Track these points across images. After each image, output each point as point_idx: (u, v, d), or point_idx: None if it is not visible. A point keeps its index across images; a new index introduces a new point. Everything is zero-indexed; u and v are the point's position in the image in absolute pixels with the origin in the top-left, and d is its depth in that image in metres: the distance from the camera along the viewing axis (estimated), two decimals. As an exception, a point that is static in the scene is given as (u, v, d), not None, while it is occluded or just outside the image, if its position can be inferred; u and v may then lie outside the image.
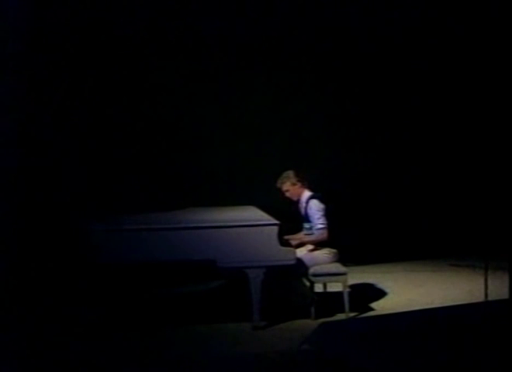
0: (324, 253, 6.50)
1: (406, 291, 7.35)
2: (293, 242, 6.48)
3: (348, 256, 6.71)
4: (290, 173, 6.67)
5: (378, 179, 9.38)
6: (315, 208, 6.51)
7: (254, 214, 6.65)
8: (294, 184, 6.64)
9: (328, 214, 6.52)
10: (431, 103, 9.41)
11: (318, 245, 6.52)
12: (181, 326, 6.22)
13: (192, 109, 8.76)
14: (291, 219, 6.49)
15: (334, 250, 6.52)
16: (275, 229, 6.02)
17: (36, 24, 7.55)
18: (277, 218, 6.12)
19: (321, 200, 6.57)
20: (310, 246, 6.54)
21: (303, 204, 6.65)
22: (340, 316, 6.27)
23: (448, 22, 8.94)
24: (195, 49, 8.69)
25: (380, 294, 7.20)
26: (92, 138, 8.30)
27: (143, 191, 8.22)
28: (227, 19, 8.63)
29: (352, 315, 6.30)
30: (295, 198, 6.70)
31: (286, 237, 6.50)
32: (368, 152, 9.38)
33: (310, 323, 6.05)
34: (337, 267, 6.44)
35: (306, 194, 6.66)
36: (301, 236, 6.67)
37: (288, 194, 6.69)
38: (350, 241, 7.32)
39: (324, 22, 8.86)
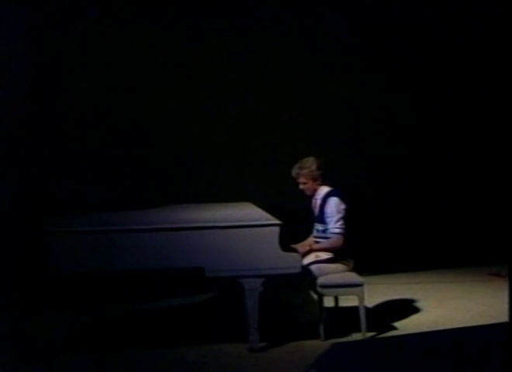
0: (337, 266, 6.34)
1: (436, 306, 7.29)
2: (301, 250, 6.31)
3: (366, 265, 6.61)
4: (313, 163, 6.47)
5: (405, 177, 9.58)
6: (334, 209, 6.34)
7: (250, 212, 6.54)
8: (314, 180, 6.47)
9: (347, 216, 6.38)
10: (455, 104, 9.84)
11: (332, 253, 6.36)
12: (163, 348, 6.13)
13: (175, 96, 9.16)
14: (295, 219, 6.33)
15: (350, 260, 6.38)
16: (276, 230, 5.85)
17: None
18: (278, 218, 5.96)
19: (342, 199, 6.38)
20: (324, 255, 6.36)
21: (319, 201, 6.49)
22: (356, 336, 6.19)
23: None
24: (193, 42, 9.19)
25: (404, 309, 7.12)
26: (62, 129, 8.74)
27: (114, 186, 8.42)
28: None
29: (370, 334, 6.21)
30: (309, 193, 6.55)
31: (294, 246, 6.37)
32: (391, 151, 9.60)
33: (319, 344, 5.98)
34: (352, 277, 6.29)
35: (325, 189, 6.49)
36: (310, 242, 6.52)
37: (302, 188, 6.53)
38: (368, 246, 7.33)
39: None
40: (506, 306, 6.69)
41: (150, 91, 9.06)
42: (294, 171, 6.50)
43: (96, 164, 8.72)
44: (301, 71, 9.37)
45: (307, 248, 6.38)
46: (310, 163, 6.46)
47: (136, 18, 8.96)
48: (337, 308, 6.74)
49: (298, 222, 6.41)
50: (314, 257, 6.34)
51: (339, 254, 6.34)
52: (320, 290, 6.19)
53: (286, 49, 9.33)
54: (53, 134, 8.69)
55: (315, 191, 6.53)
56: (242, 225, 5.86)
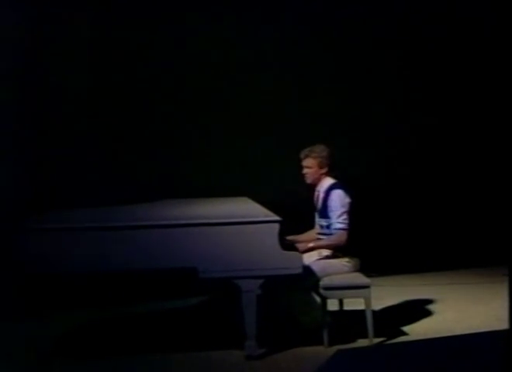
0: (343, 262, 6.24)
1: (448, 309, 7.26)
2: (300, 247, 6.21)
3: (373, 265, 6.61)
4: (324, 150, 6.41)
5: (417, 173, 9.63)
6: (338, 202, 6.24)
7: (247, 208, 6.56)
8: (320, 167, 6.38)
9: (352, 211, 6.29)
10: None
11: (334, 250, 6.26)
12: (153, 355, 6.07)
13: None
14: (296, 216, 6.24)
15: (356, 259, 6.30)
16: (276, 227, 5.76)
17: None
18: (278, 214, 5.89)
19: (347, 192, 6.28)
20: (324, 251, 6.27)
21: (321, 194, 6.39)
22: (362, 342, 6.13)
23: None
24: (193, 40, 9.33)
25: (414, 313, 7.10)
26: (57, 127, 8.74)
27: (102, 180, 8.42)
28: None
29: (377, 340, 6.15)
30: (310, 181, 6.47)
31: (290, 238, 6.30)
32: (404, 146, 9.68)
33: (322, 351, 5.92)
34: (358, 278, 6.21)
35: (328, 181, 6.40)
36: (310, 237, 6.44)
37: (306, 172, 6.44)
38: (376, 245, 7.59)
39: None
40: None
41: (148, 83, 9.13)
42: (303, 152, 6.43)
43: (86, 158, 8.70)
44: (306, 65, 9.40)
45: (307, 246, 6.26)
46: (321, 149, 6.40)
47: (135, 16, 9.07)
48: (341, 312, 6.68)
49: (298, 218, 6.32)
50: (317, 255, 6.23)
51: (342, 251, 6.21)
52: (323, 292, 6.10)
53: (293, 43, 9.38)
54: (49, 132, 8.71)
55: (317, 180, 6.44)
56: (238, 222, 5.79)
